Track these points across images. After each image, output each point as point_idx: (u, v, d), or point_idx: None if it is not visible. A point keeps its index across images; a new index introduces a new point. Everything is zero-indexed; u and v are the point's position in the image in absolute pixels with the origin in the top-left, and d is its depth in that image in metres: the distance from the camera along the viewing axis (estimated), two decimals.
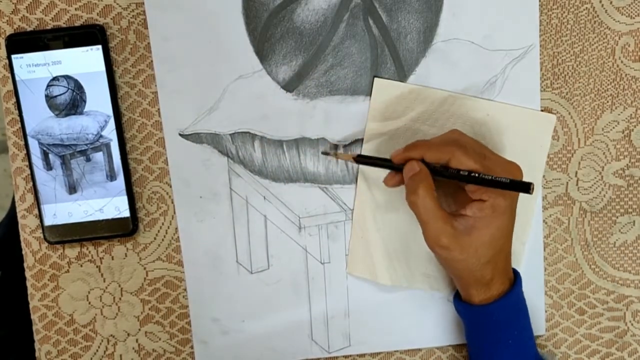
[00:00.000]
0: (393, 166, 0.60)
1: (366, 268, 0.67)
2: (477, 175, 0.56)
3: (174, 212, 0.66)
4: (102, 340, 0.68)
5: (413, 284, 0.67)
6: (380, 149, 0.65)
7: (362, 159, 0.62)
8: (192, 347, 0.68)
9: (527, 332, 0.63)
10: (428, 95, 0.64)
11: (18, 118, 0.63)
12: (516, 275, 0.62)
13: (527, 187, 0.55)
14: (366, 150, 0.65)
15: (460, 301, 0.63)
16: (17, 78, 0.62)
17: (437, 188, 0.59)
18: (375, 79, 0.64)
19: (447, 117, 0.64)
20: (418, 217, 0.57)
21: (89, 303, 0.67)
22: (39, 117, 0.62)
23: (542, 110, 0.65)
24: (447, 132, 0.60)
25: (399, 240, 0.66)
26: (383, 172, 0.62)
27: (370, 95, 0.64)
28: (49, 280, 0.66)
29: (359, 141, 0.65)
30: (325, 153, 0.65)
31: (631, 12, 0.64)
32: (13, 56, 0.61)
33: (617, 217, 0.68)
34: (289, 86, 0.64)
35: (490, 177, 0.56)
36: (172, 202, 0.65)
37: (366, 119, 0.65)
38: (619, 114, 0.66)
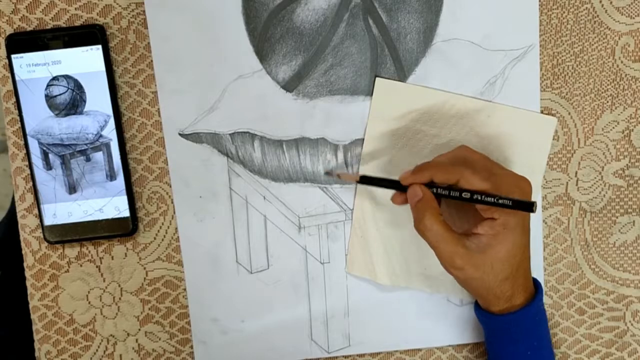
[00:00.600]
0: (397, 186, 0.59)
1: (365, 267, 0.67)
2: (479, 197, 0.56)
3: (174, 212, 0.66)
4: (101, 340, 0.68)
5: (412, 284, 0.67)
6: (380, 149, 0.65)
7: (366, 180, 0.62)
8: (191, 347, 0.68)
9: (546, 343, 0.62)
10: (429, 96, 0.64)
11: (18, 118, 0.63)
12: (537, 286, 0.62)
13: (530, 207, 0.55)
14: (366, 150, 0.65)
15: (480, 308, 0.62)
16: (17, 78, 0.62)
17: (449, 207, 0.59)
18: (377, 78, 0.64)
19: (448, 118, 0.64)
20: (429, 243, 0.57)
21: (89, 303, 0.67)
22: (38, 117, 0.62)
23: (542, 110, 0.65)
24: (456, 148, 0.60)
25: (398, 240, 0.66)
26: (385, 174, 0.62)
27: (371, 95, 0.64)
28: (48, 280, 0.66)
29: (358, 141, 0.65)
30: (327, 173, 0.65)
31: (631, 12, 0.64)
32: (13, 56, 0.61)
33: (617, 217, 0.68)
34: (288, 86, 0.64)
35: (492, 199, 0.56)
36: (172, 202, 0.65)
37: (367, 119, 0.65)
38: (618, 114, 0.66)
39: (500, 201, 0.55)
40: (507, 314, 0.60)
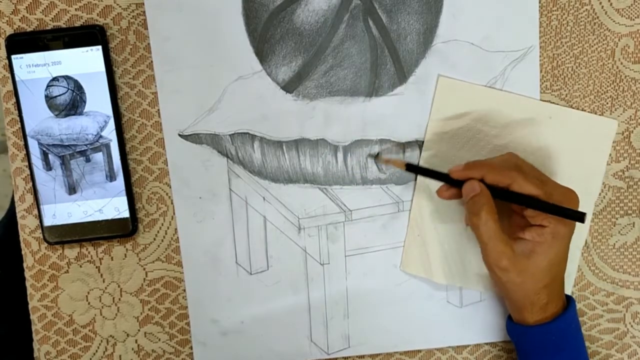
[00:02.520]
0: (444, 179, 0.60)
1: (421, 266, 0.67)
2: (538, 200, 0.56)
3: (174, 213, 0.66)
4: (101, 341, 0.68)
5: (467, 284, 0.67)
6: (440, 148, 0.65)
7: (412, 168, 0.62)
8: (191, 348, 0.68)
9: (584, 351, 0.62)
10: (491, 96, 0.64)
11: (18, 118, 0.63)
12: (569, 299, 0.62)
13: (581, 217, 0.55)
14: (426, 148, 0.65)
15: (513, 323, 0.62)
16: (17, 78, 0.62)
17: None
18: (440, 77, 0.64)
19: (510, 119, 0.64)
20: (479, 239, 0.58)
21: (89, 303, 0.67)
22: (38, 118, 0.62)
23: None
24: (504, 154, 0.60)
25: (456, 240, 0.66)
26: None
27: (371, 96, 0.64)
28: (48, 280, 0.66)
29: (358, 142, 0.65)
30: (372, 157, 0.65)
31: (631, 13, 0.64)
32: (13, 56, 0.61)
33: (617, 219, 0.68)
34: (288, 87, 0.64)
35: (550, 203, 0.56)
36: (172, 203, 0.65)
37: (359, 120, 0.65)
38: (618, 116, 0.66)
39: (557, 206, 0.56)
40: (544, 324, 0.59)
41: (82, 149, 0.63)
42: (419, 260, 0.67)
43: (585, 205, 0.65)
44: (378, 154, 0.65)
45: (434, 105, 0.64)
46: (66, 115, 0.63)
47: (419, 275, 0.67)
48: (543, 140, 0.64)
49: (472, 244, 0.66)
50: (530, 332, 0.60)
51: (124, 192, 0.64)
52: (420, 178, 0.65)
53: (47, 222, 0.64)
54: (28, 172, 0.64)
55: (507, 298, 0.62)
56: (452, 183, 0.60)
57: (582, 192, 0.59)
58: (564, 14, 0.64)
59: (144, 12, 0.62)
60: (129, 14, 0.63)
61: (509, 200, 0.58)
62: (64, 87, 0.62)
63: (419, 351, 0.69)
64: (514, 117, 0.64)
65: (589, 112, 0.66)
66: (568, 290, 0.67)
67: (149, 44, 0.63)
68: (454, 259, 0.67)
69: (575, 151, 0.65)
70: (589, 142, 0.65)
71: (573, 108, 0.65)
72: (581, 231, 0.66)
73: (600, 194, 0.67)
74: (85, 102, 0.62)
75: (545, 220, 0.57)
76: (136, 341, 0.68)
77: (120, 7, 0.62)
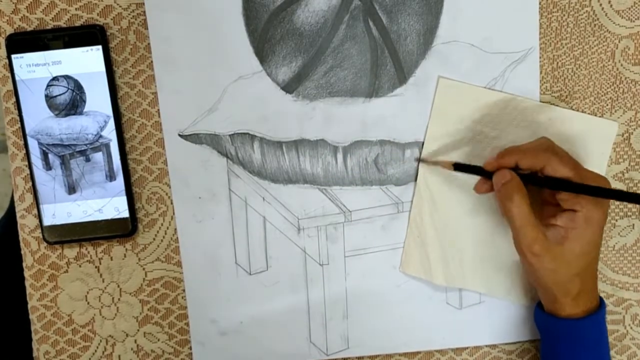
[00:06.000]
0: (487, 173, 0.60)
1: (421, 267, 0.67)
2: (574, 182, 0.56)
3: (173, 213, 0.66)
4: (100, 341, 0.68)
5: (467, 286, 0.67)
6: (440, 150, 0.65)
7: (459, 167, 0.62)
8: (190, 348, 0.68)
9: (607, 354, 0.62)
10: (492, 98, 0.64)
11: (18, 118, 0.63)
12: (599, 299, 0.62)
13: (637, 199, 0.55)
14: (426, 150, 0.65)
15: (543, 313, 0.61)
16: (17, 78, 0.62)
17: None
18: (440, 78, 0.64)
19: (510, 120, 0.64)
20: (512, 224, 0.57)
21: (88, 303, 0.67)
22: (38, 117, 0.63)
23: None
24: (538, 139, 0.60)
25: (455, 241, 0.66)
26: (444, 173, 0.63)
27: (371, 97, 0.64)
28: (47, 280, 0.66)
29: (358, 142, 0.65)
30: (422, 160, 0.65)
31: (631, 15, 0.64)
32: (13, 56, 0.61)
33: (617, 221, 0.67)
34: (288, 87, 0.64)
35: (589, 185, 0.56)
36: (171, 203, 0.65)
37: (359, 121, 0.65)
38: (618, 117, 0.66)
39: (603, 188, 0.55)
40: (578, 319, 0.59)
41: (82, 148, 0.63)
42: (418, 261, 0.67)
43: None
44: (425, 157, 0.65)
45: (434, 107, 0.64)
46: (66, 115, 0.63)
47: (418, 276, 0.67)
48: None
49: (472, 245, 0.66)
50: (560, 324, 0.60)
51: (123, 192, 0.64)
52: (420, 178, 0.65)
53: (47, 221, 0.64)
54: (28, 171, 0.64)
55: (539, 286, 0.61)
56: (489, 176, 0.59)
57: None
58: (564, 15, 0.64)
59: (144, 12, 0.62)
60: (129, 14, 0.63)
61: (545, 186, 0.57)
62: (64, 86, 0.62)
63: (418, 353, 0.69)
64: (513, 118, 0.64)
65: (589, 113, 0.66)
66: None
67: (149, 44, 0.63)
68: (453, 260, 0.67)
69: (575, 153, 0.65)
70: (589, 144, 0.65)
71: (573, 110, 0.65)
72: None
73: None
74: (85, 101, 0.62)
75: (577, 205, 0.56)
76: (135, 341, 0.68)
77: (120, 7, 0.62)
